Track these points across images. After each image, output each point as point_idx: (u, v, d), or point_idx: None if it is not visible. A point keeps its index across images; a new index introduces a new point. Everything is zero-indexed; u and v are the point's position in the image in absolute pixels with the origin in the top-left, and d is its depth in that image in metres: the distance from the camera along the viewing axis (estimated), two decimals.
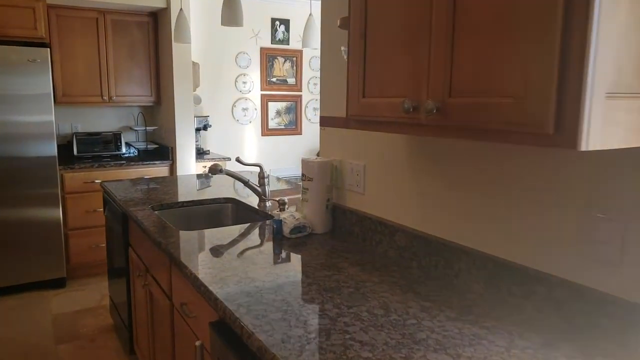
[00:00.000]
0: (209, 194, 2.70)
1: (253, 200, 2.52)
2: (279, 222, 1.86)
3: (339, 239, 1.85)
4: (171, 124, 4.16)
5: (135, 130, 4.47)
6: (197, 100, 4.42)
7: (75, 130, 4.37)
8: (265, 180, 2.38)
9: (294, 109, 5.42)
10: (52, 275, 3.77)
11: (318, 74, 5.53)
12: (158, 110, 4.49)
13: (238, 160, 2.38)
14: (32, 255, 3.69)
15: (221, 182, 3.07)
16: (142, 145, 4.37)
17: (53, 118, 3.65)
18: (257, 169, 3.06)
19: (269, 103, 5.29)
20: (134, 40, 4.23)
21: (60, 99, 3.98)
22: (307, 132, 5.55)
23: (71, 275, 3.96)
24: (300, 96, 5.44)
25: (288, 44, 5.29)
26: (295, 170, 5.50)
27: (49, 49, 3.61)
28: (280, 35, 5.22)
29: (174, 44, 3.96)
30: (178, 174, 4.14)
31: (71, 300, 3.61)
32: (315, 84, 5.52)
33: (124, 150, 4.30)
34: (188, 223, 2.53)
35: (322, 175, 1.89)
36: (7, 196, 3.57)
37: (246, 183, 2.36)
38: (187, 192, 2.76)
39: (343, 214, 1.92)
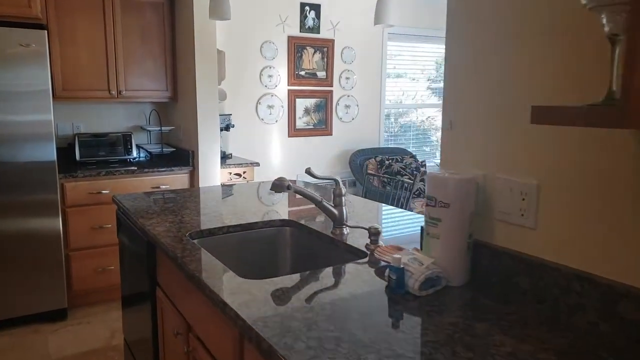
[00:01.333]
0: (256, 212, 2.07)
1: (318, 223, 1.89)
2: (400, 272, 1.23)
3: (493, 298, 1.22)
4: (191, 123, 3.52)
5: (148, 130, 3.83)
6: (222, 96, 3.79)
7: (78, 131, 3.72)
8: (343, 199, 1.75)
9: (324, 106, 4.80)
10: (50, 306, 3.13)
11: (350, 67, 4.90)
12: (174, 107, 3.85)
13: (309, 172, 1.74)
14: (26, 282, 3.05)
15: (253, 194, 2.43)
16: (156, 149, 3.73)
17: (52, 117, 3.01)
18: (312, 183, 2.43)
19: (297, 99, 4.66)
20: (146, 24, 3.59)
21: (60, 94, 3.34)
22: (337, 132, 4.92)
23: (73, 304, 3.31)
24: (331, 92, 4.81)
25: (318, 33, 4.66)
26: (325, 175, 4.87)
27: (46, 32, 2.97)
28: (310, 22, 4.59)
29: (196, 27, 3.33)
30: (200, 182, 3.50)
31: (74, 337, 2.96)
32: (347, 79, 4.89)
33: (134, 154, 3.66)
34: (238, 257, 1.89)
35: (463, 199, 1.26)
36: None
37: (319, 203, 1.72)
38: (227, 210, 2.13)
39: (490, 257, 1.29)
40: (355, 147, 5.01)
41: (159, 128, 3.70)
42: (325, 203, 1.73)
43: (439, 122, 5.67)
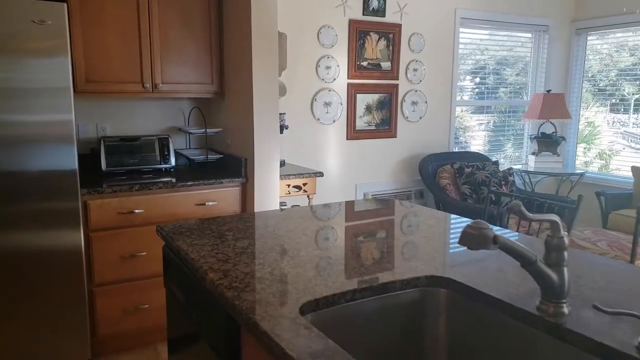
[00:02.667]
0: (377, 257, 1.35)
1: (494, 281, 1.16)
2: None
3: None
4: (244, 124, 2.82)
5: (188, 133, 3.15)
6: (283, 91, 3.08)
7: (103, 134, 3.05)
8: (564, 254, 1.03)
9: (388, 103, 4.07)
10: (69, 358, 2.45)
11: (418, 56, 4.17)
12: (219, 105, 3.16)
13: (519, 211, 1.00)
14: (41, 328, 2.37)
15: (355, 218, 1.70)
16: (198, 156, 3.04)
17: (73, 116, 2.33)
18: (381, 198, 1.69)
19: (357, 95, 3.94)
20: (187, 3, 2.90)
21: (82, 87, 2.66)
22: (403, 133, 4.19)
23: (98, 351, 2.64)
24: (396, 86, 4.08)
25: (384, 16, 3.93)
26: (387, 185, 4.14)
27: (65, 5, 2.29)
28: (374, 3, 3.86)
29: (253, 4, 2.62)
30: (255, 198, 2.80)
31: None
32: (415, 70, 4.15)
33: (172, 162, 2.98)
34: (369, 347, 1.18)
35: None
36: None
37: (532, 265, 0.99)
38: (336, 254, 1.40)
39: None
40: (422, 152, 4.27)
41: (203, 130, 3.01)
42: (541, 266, 0.99)
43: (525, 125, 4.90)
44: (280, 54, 3.00)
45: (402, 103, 4.14)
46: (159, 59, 2.86)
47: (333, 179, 3.92)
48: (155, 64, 2.86)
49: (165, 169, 3.00)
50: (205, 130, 2.97)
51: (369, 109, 4.00)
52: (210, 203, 2.76)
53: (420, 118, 4.25)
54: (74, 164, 2.34)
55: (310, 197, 3.11)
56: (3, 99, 2.18)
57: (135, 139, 2.93)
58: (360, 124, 3.97)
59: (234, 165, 2.93)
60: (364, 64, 3.91)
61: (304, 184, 3.06)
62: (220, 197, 2.80)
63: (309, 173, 3.06)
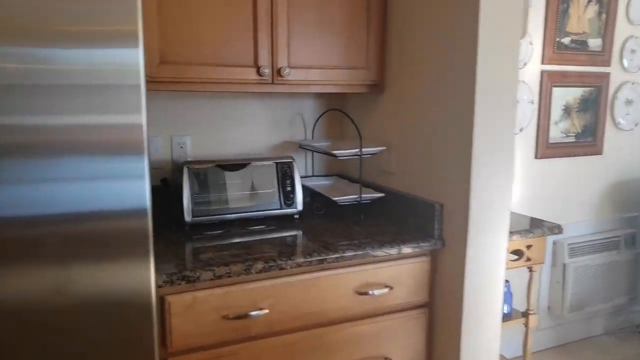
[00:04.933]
0: None
1: None
2: None
3: None
4: (439, 137, 1.51)
5: (308, 150, 1.89)
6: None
7: (182, 154, 1.86)
8: None
9: (594, 101, 2.69)
10: None
11: (639, 30, 2.76)
12: (372, 105, 1.87)
13: None
14: None
15: None
16: (338, 194, 1.76)
17: (143, 118, 1.12)
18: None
19: (554, 89, 2.59)
20: None
21: (153, 73, 1.46)
22: (611, 149, 2.78)
23: None
24: (607, 76, 2.70)
25: None
26: (586, 227, 2.74)
27: None
28: None
29: None
30: (459, 278, 1.50)
31: None
32: (632, 52, 2.75)
33: (299, 205, 1.75)
34: None
35: None
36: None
37: None
38: None
39: None
40: (637, 176, 2.86)
41: (353, 150, 1.72)
42: None
43: None
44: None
45: (613, 101, 2.74)
46: (284, 28, 1.62)
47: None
48: (279, 37, 1.62)
49: (289, 216, 1.77)
50: (360, 151, 1.69)
51: (567, 110, 2.63)
52: (378, 291, 1.50)
53: (637, 125, 2.84)
54: (144, 201, 1.12)
55: (533, 269, 1.80)
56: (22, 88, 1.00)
57: (240, 164, 1.71)
58: (556, 133, 2.61)
59: (406, 212, 1.66)
60: (566, 41, 2.54)
61: (528, 247, 1.75)
62: (395, 278, 1.53)
63: (539, 228, 1.75)
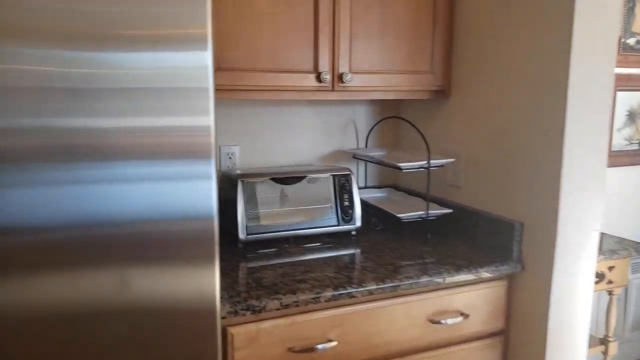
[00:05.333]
0: None
1: None
2: None
3: None
4: (516, 144, 1.37)
5: (362, 160, 1.76)
6: None
7: (231, 164, 1.75)
8: None
9: None
10: None
11: None
12: (435, 113, 1.73)
13: None
14: None
15: None
16: (411, 212, 1.63)
17: (211, 120, 0.99)
18: None
19: (618, 93, 2.42)
20: None
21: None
22: None
23: None
24: None
25: None
26: None
27: None
28: None
29: None
30: (540, 304, 1.35)
31: None
32: None
33: (358, 221, 1.61)
34: None
35: None
36: None
37: None
38: None
39: None
40: None
41: (422, 162, 1.57)
42: None
43: None
44: None
45: None
46: (347, 30, 1.49)
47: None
48: (341, 40, 1.49)
49: (346, 233, 1.64)
50: (428, 162, 1.56)
51: (632, 116, 2.46)
52: (452, 320, 1.36)
53: None
54: (211, 204, 1.00)
55: (613, 293, 1.65)
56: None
57: (296, 177, 1.59)
58: (619, 140, 2.44)
59: (477, 231, 1.51)
60: (631, 41, 2.37)
61: (610, 269, 1.59)
62: (470, 304, 1.39)
63: (625, 249, 1.58)
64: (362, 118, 1.93)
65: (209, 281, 1.03)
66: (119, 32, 0.89)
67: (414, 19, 1.57)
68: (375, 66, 1.55)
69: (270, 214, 1.54)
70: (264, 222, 1.52)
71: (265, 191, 1.55)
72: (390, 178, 2.01)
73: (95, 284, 0.95)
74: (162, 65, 0.93)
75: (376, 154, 1.81)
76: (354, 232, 1.64)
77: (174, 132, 0.96)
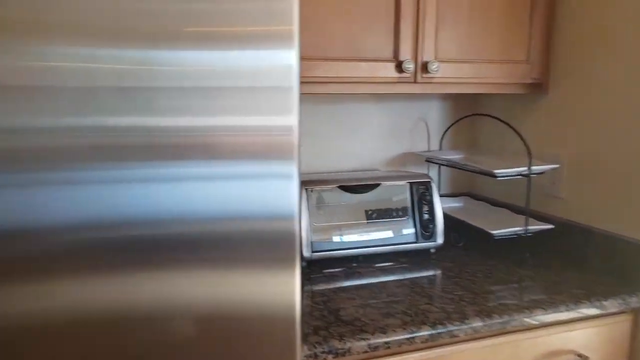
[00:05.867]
0: None
1: None
2: None
3: None
4: None
5: (443, 164, 1.52)
6: None
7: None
8: None
9: None
10: None
11: None
12: (534, 109, 1.48)
13: None
14: None
15: None
16: (506, 229, 1.35)
17: (296, 119, 0.80)
18: None
19: None
20: None
21: None
22: None
23: None
24: None
25: None
26: None
27: None
28: None
29: None
30: None
31: None
32: None
33: (440, 238, 1.38)
34: None
35: None
36: None
37: None
38: None
39: None
40: None
41: (521, 169, 1.31)
42: None
43: None
44: None
45: None
46: (433, 11, 1.26)
47: None
48: (427, 22, 1.26)
49: (424, 251, 1.40)
50: (529, 168, 1.31)
51: None
52: None
53: None
54: (292, 209, 0.81)
55: None
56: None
57: (367, 186, 1.36)
58: None
59: (587, 251, 1.25)
60: None
61: None
62: (589, 344, 1.13)
63: None
64: (435, 115, 1.69)
65: (288, 286, 0.85)
66: (199, 29, 0.76)
67: (509, 0, 1.33)
68: (464, 54, 1.31)
69: (339, 227, 1.31)
70: (329, 237, 1.30)
71: (332, 201, 1.33)
72: (464, 185, 1.76)
73: (156, 286, 0.79)
74: (248, 64, 0.79)
75: (453, 157, 1.57)
76: (432, 250, 1.40)
77: (256, 132, 0.80)
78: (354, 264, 1.34)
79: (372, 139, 1.64)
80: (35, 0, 0.67)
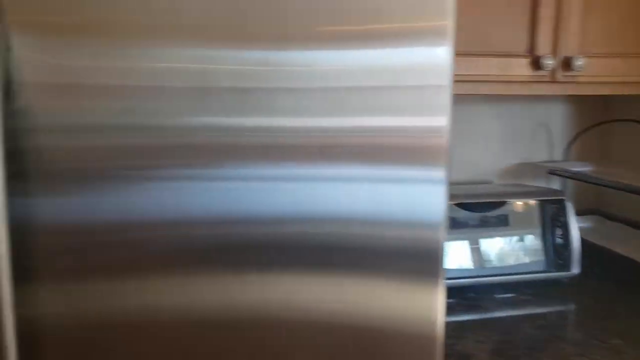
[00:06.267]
0: None
1: None
2: None
3: None
4: None
5: (572, 178, 1.28)
6: None
7: None
8: None
9: None
10: None
11: None
12: None
13: None
14: None
15: None
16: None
17: (448, 120, 0.67)
18: None
19: None
20: None
21: None
22: None
23: None
24: None
25: None
26: None
27: None
28: None
29: None
30: None
31: None
32: None
33: (576, 267, 1.16)
34: None
35: None
36: None
37: None
38: None
39: None
40: None
41: None
42: None
43: None
44: None
45: None
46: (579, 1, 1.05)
47: None
48: (572, 10, 1.05)
49: (554, 282, 1.19)
50: None
51: None
52: None
53: None
54: (440, 217, 0.70)
55: None
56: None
57: (491, 204, 1.16)
58: None
59: None
60: None
61: None
62: None
63: None
64: (558, 120, 1.45)
65: (431, 302, 0.73)
66: (340, 27, 0.69)
67: None
68: (611, 47, 1.08)
69: (466, 254, 1.13)
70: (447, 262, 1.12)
71: (464, 221, 1.14)
72: (589, 201, 1.51)
73: (289, 289, 0.73)
74: (397, 62, 0.70)
75: (581, 169, 1.34)
76: (567, 285, 1.18)
77: (406, 132, 0.69)
78: (471, 295, 1.15)
79: (482, 147, 1.43)
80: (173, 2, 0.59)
